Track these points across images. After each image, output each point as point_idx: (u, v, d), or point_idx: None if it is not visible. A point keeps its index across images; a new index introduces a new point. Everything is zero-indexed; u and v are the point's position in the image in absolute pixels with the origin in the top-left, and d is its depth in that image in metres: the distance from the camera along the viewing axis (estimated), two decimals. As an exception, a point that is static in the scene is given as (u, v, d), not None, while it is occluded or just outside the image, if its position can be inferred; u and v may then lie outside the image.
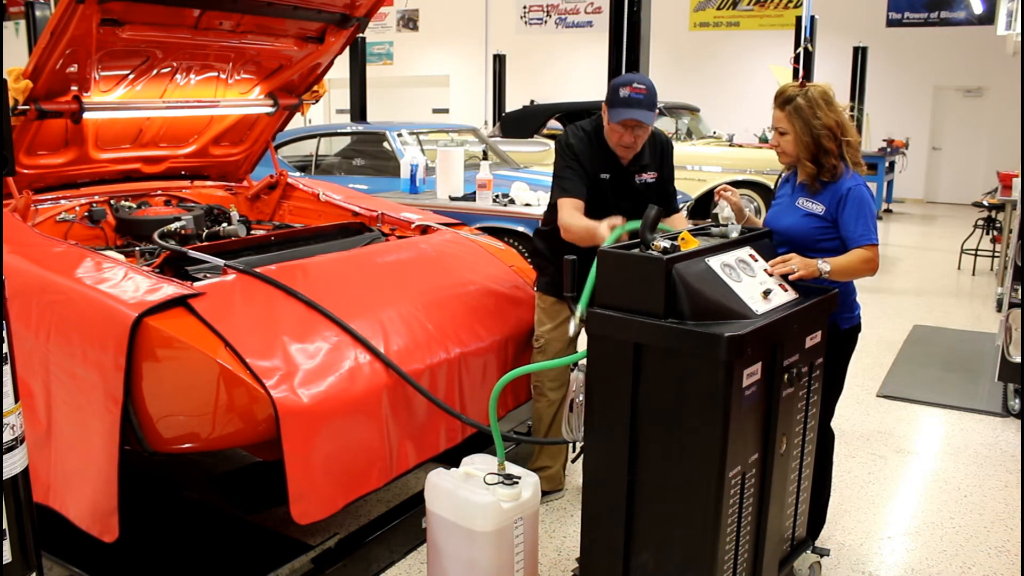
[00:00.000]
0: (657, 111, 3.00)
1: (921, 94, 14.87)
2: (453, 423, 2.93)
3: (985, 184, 12.83)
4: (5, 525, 1.63)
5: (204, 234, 3.45)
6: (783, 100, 2.74)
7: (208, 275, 2.84)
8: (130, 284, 2.57)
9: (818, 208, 2.71)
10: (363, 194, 4.62)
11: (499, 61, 12.72)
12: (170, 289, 2.55)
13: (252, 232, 3.76)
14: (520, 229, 6.19)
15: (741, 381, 2.13)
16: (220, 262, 2.88)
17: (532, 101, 12.57)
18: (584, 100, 12.05)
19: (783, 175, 2.93)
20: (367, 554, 2.95)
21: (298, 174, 7.13)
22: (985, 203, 8.17)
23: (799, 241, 2.68)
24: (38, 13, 7.62)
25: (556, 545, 3.09)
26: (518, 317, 3.30)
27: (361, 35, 7.05)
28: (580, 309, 2.48)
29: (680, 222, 3.20)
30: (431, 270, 3.31)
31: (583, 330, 2.37)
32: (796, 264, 2.47)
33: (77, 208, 3.55)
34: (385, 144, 7.36)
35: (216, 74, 3.63)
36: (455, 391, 2.97)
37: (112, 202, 3.68)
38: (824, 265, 2.52)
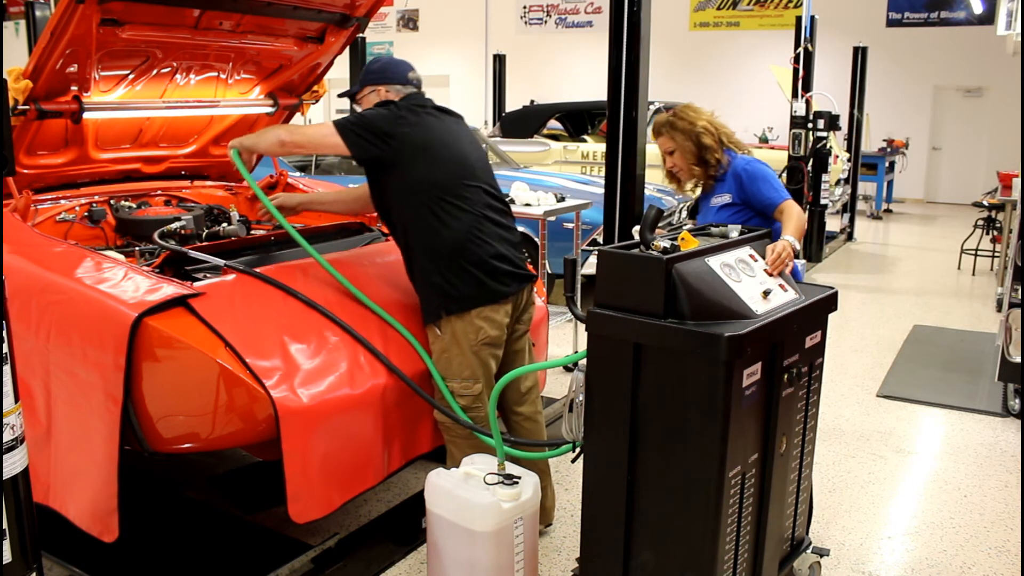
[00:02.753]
0: (370, 89, 2.98)
1: (921, 94, 14.87)
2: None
3: (985, 184, 12.83)
4: (5, 525, 1.63)
5: (204, 234, 3.45)
6: (657, 127, 3.15)
7: (208, 275, 2.84)
8: (130, 284, 2.57)
9: (726, 198, 3.12)
10: (363, 194, 4.61)
11: (499, 61, 12.73)
12: (170, 289, 2.55)
13: (252, 232, 3.76)
14: (520, 229, 6.20)
15: (741, 381, 2.13)
16: (220, 262, 2.88)
17: (532, 101, 12.57)
18: (584, 100, 12.06)
19: (695, 200, 3.30)
20: (367, 554, 2.95)
21: (298, 174, 7.12)
22: (985, 203, 8.17)
23: None
24: (38, 13, 7.61)
25: (556, 545, 3.09)
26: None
27: (361, 35, 7.05)
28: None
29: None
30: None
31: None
32: (786, 256, 2.52)
33: (77, 208, 3.54)
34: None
35: (216, 74, 3.63)
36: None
37: (112, 202, 3.68)
38: (795, 243, 2.69)
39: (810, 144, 8.34)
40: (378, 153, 2.79)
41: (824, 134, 8.41)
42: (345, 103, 3.27)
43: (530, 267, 3.06)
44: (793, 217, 2.99)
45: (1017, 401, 4.51)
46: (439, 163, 2.82)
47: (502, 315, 2.83)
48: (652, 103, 9.68)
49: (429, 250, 2.80)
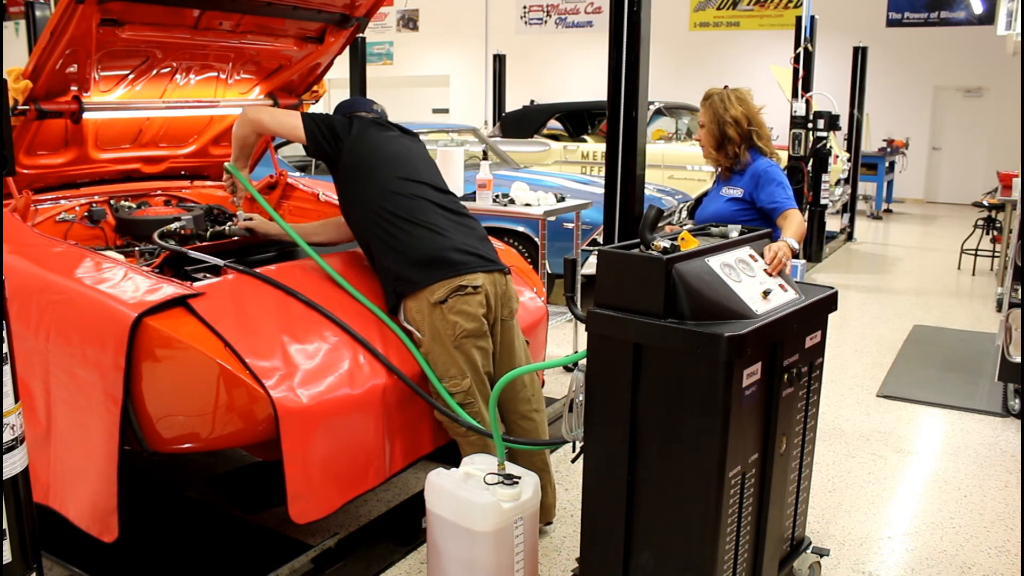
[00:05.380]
0: None
1: (921, 94, 14.88)
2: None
3: (985, 184, 12.84)
4: (5, 525, 1.63)
5: (208, 233, 3.46)
6: (704, 97, 3.36)
7: (208, 275, 2.84)
8: (130, 284, 2.57)
9: (738, 192, 3.32)
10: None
11: (499, 61, 12.73)
12: (170, 289, 2.55)
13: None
14: (520, 229, 6.20)
15: (741, 381, 2.13)
16: (220, 262, 2.88)
17: (532, 101, 12.57)
18: (584, 100, 12.06)
19: (697, 197, 3.52)
20: (367, 554, 2.95)
21: (298, 174, 7.12)
22: (985, 203, 8.17)
23: (723, 221, 2.86)
24: (38, 13, 7.61)
25: (556, 545, 3.09)
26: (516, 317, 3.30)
27: (361, 35, 7.05)
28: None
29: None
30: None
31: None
32: (783, 256, 2.53)
33: (77, 208, 3.54)
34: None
35: (216, 74, 3.63)
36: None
37: (112, 202, 3.68)
38: (793, 243, 2.78)
39: (810, 144, 8.35)
40: (327, 150, 2.99)
41: (824, 134, 8.41)
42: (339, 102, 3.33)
43: (530, 267, 3.08)
44: (794, 223, 3.15)
45: (1017, 401, 4.51)
46: (386, 166, 2.99)
47: (475, 306, 2.84)
48: (652, 103, 9.69)
49: (385, 247, 2.89)
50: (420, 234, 2.86)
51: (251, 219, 3.41)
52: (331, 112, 3.21)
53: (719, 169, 3.47)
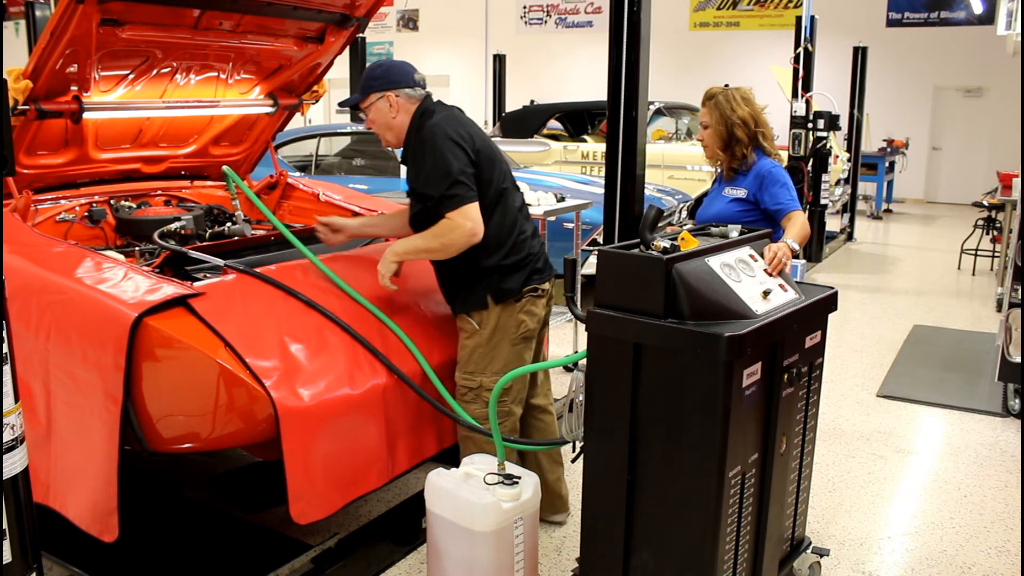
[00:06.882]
0: (377, 96, 2.80)
1: (921, 94, 14.87)
2: (449, 422, 2.93)
3: (985, 184, 12.83)
4: (5, 525, 1.63)
5: (208, 233, 3.46)
6: (706, 97, 3.32)
7: (208, 275, 2.84)
8: (130, 284, 2.57)
9: (741, 192, 3.29)
10: (363, 194, 4.62)
11: (499, 61, 12.73)
12: (170, 289, 2.55)
13: (252, 232, 3.76)
14: (520, 229, 6.19)
15: (741, 381, 2.13)
16: (220, 262, 2.88)
17: (532, 101, 12.57)
18: (584, 100, 12.07)
19: (717, 173, 3.44)
20: (367, 554, 2.95)
21: (298, 174, 7.13)
22: (985, 203, 8.17)
23: (726, 222, 2.86)
24: (38, 13, 7.62)
25: (556, 545, 3.09)
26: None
27: (361, 35, 7.06)
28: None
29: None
30: (430, 270, 3.30)
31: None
32: (783, 256, 2.53)
33: (77, 208, 3.54)
34: (385, 144, 7.34)
35: (216, 74, 3.63)
36: (453, 391, 2.97)
37: (112, 202, 3.68)
38: (794, 244, 2.80)
39: (810, 144, 8.35)
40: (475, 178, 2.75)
41: (824, 134, 8.41)
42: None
43: None
44: (797, 225, 3.14)
45: (1017, 401, 4.51)
46: (493, 167, 2.82)
47: (540, 308, 2.91)
48: (652, 103, 9.69)
49: (483, 248, 2.76)
50: (517, 241, 2.85)
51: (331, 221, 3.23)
52: (367, 75, 2.87)
53: (719, 169, 3.44)
